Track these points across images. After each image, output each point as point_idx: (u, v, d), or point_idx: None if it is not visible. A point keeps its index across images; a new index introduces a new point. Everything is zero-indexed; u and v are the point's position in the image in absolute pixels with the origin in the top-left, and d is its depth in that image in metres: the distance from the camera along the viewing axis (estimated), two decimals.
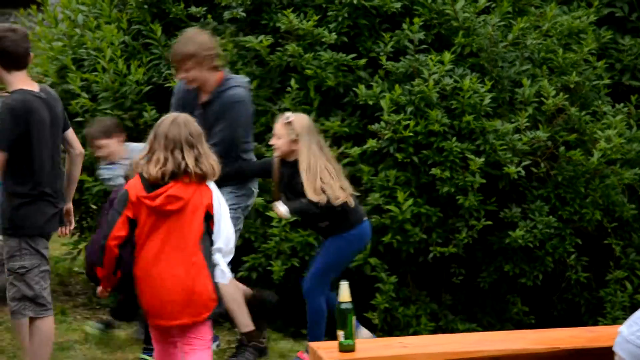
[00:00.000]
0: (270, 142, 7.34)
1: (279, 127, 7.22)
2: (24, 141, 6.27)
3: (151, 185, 5.68)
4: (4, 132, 6.26)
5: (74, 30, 9.42)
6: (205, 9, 8.91)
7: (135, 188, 5.70)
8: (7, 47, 6.31)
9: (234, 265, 8.74)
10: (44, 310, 6.41)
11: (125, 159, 7.52)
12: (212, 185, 5.82)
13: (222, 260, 5.89)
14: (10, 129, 6.24)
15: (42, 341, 6.40)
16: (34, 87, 6.42)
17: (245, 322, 7.48)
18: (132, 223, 5.69)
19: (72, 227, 6.89)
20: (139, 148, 6.74)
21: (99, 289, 6.00)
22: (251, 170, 7.49)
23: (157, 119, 8.60)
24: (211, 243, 5.80)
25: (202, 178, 5.72)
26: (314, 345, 5.83)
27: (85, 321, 8.56)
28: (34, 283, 6.37)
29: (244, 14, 8.83)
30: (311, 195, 7.07)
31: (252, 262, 8.60)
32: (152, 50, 9.00)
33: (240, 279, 8.70)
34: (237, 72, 8.67)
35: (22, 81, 6.37)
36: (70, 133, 6.69)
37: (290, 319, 9.02)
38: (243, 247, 8.70)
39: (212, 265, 5.80)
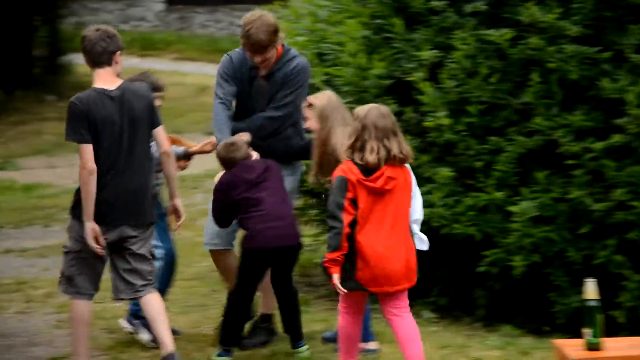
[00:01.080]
0: (305, 126, 7.48)
1: (305, 110, 7.39)
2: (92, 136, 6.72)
3: (367, 169, 6.36)
4: (69, 128, 6.76)
5: (316, 25, 9.59)
6: (446, 2, 8.88)
7: (352, 172, 6.35)
8: (85, 46, 6.84)
9: (476, 260, 8.73)
10: (74, 292, 6.83)
11: None
12: (407, 165, 6.57)
13: (418, 230, 6.71)
14: (73, 124, 6.74)
15: (73, 322, 6.88)
16: (111, 85, 6.81)
17: (267, 303, 7.85)
18: (353, 203, 6.35)
19: (182, 220, 7.24)
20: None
21: (335, 279, 6.45)
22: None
23: (397, 113, 8.78)
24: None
25: (403, 161, 6.46)
26: (559, 342, 5.75)
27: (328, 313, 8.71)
28: (68, 265, 6.86)
29: (485, 7, 8.75)
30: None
31: (492, 257, 8.53)
32: (392, 44, 9.04)
33: (479, 274, 8.68)
34: (477, 65, 8.63)
35: (101, 79, 6.83)
36: (158, 131, 6.96)
37: (530, 316, 8.91)
38: (483, 242, 8.65)
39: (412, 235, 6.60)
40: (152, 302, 6.89)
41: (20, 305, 8.65)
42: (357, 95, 8.89)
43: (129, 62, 25.87)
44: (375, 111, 6.48)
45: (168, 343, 6.80)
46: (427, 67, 8.75)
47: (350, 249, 6.40)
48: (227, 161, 7.37)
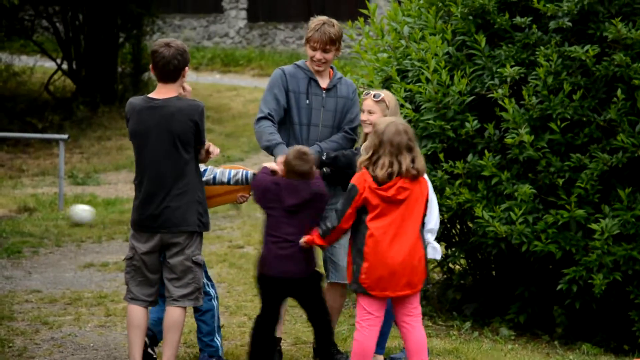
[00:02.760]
0: (363, 118, 7.36)
1: (370, 103, 7.33)
2: None
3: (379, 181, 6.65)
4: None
5: (399, 42, 9.62)
6: (530, 19, 8.86)
7: (365, 181, 6.65)
8: (156, 62, 6.97)
9: (555, 277, 8.68)
10: (129, 297, 7.07)
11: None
12: (426, 176, 6.81)
13: (432, 239, 6.95)
14: (128, 127, 7.08)
15: (128, 327, 7.07)
16: (163, 96, 6.95)
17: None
18: (360, 211, 6.68)
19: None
20: None
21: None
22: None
23: (479, 130, 8.79)
24: (423, 225, 6.80)
25: (416, 176, 6.67)
26: None
27: None
28: (125, 272, 7.13)
29: (569, 24, 8.72)
30: None
31: (572, 274, 8.47)
32: (475, 61, 9.04)
33: (559, 292, 8.62)
34: (561, 83, 8.60)
35: (160, 91, 7.00)
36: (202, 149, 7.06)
37: (611, 334, 8.83)
38: (563, 259, 8.60)
39: (425, 244, 6.78)
40: (170, 314, 7.03)
41: (101, 319, 8.77)
42: (438, 112, 8.90)
43: (211, 79, 26.32)
44: (392, 127, 6.70)
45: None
46: (510, 83, 8.74)
47: (359, 253, 6.68)
48: (289, 166, 7.11)
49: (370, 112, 7.31)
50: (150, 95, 7.04)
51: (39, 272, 10.87)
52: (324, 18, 7.61)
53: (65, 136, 15.76)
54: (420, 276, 6.72)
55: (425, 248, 6.80)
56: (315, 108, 7.53)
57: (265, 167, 7.21)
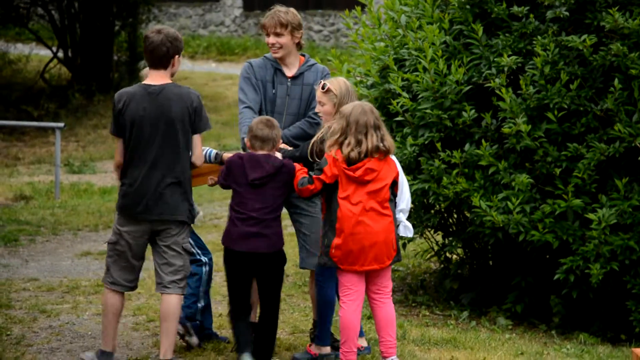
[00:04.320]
0: (316, 110, 7.41)
1: (319, 94, 7.36)
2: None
3: (350, 160, 6.88)
4: (112, 121, 7.12)
5: (396, 31, 9.61)
6: (527, 8, 8.86)
7: (335, 160, 6.87)
8: (146, 47, 7.03)
9: (552, 267, 8.70)
10: (108, 281, 7.10)
11: None
12: (394, 158, 7.03)
13: (404, 218, 7.11)
14: (114, 115, 7.06)
15: (103, 311, 7.13)
16: (157, 82, 6.98)
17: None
18: (332, 187, 6.90)
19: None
20: None
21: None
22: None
23: (476, 119, 8.80)
24: (395, 205, 7.01)
25: (386, 153, 6.91)
26: (638, 351, 5.70)
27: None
28: (107, 256, 7.15)
29: (567, 13, 8.72)
30: None
31: (569, 264, 8.49)
32: (472, 50, 9.04)
33: (556, 282, 8.64)
34: (558, 72, 8.61)
35: (153, 78, 7.03)
36: (195, 139, 7.04)
37: (608, 324, 8.85)
38: (560, 249, 8.62)
39: (396, 223, 7.01)
40: (166, 303, 7.05)
41: (98, 308, 8.74)
42: (436, 102, 8.90)
43: (207, 67, 26.28)
44: (358, 108, 6.94)
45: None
46: (507, 73, 8.74)
47: (331, 228, 6.91)
48: (251, 132, 7.13)
49: (321, 104, 7.33)
50: (146, 82, 7.05)
51: (36, 260, 10.88)
52: (280, 6, 7.71)
53: (61, 124, 15.76)
54: (389, 252, 6.94)
55: (397, 227, 7.03)
56: (280, 97, 7.61)
57: (238, 153, 7.28)
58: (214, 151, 7.51)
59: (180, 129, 6.96)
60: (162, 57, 7.01)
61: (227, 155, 7.43)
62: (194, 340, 7.68)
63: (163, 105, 6.94)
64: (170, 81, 7.04)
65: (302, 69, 7.68)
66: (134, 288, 7.21)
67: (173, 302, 7.03)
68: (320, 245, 7.05)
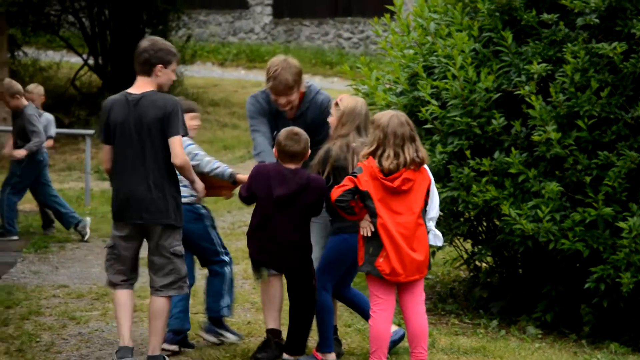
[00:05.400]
0: (328, 119, 7.48)
1: (332, 106, 7.47)
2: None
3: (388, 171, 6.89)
4: (100, 126, 7.27)
5: (425, 38, 9.59)
6: (557, 15, 8.83)
7: (371, 168, 6.86)
8: (134, 53, 7.19)
9: (582, 276, 8.64)
10: (112, 285, 7.27)
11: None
12: (426, 167, 7.03)
13: (433, 227, 7.13)
14: (100, 125, 7.27)
15: (115, 306, 7.28)
16: (139, 91, 7.10)
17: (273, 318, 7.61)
18: (364, 198, 6.86)
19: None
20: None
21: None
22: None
23: (506, 127, 8.76)
24: (425, 213, 7.02)
25: (420, 164, 6.93)
26: None
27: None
28: (106, 260, 7.32)
29: (597, 21, 8.68)
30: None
31: (600, 273, 8.43)
32: (502, 58, 9.01)
33: (587, 290, 8.59)
34: (588, 80, 8.56)
35: (137, 85, 7.16)
36: (171, 141, 7.04)
37: (638, 334, 8.78)
38: (590, 258, 8.56)
39: (427, 231, 7.03)
40: (156, 303, 7.20)
41: None
42: (465, 109, 8.88)
43: (236, 74, 26.33)
44: (395, 120, 6.94)
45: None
46: (537, 80, 8.70)
47: (375, 238, 6.88)
48: (279, 147, 7.14)
49: (331, 114, 7.46)
50: (129, 90, 7.19)
51: (65, 267, 10.93)
52: (279, 59, 7.70)
53: (91, 131, 15.83)
54: (426, 261, 6.97)
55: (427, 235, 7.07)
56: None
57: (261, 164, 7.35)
58: (229, 170, 7.63)
59: (156, 134, 7.06)
60: (143, 64, 7.14)
61: (241, 176, 7.51)
62: (231, 337, 7.92)
63: (140, 113, 7.06)
64: (152, 89, 7.13)
65: (302, 109, 7.72)
66: (134, 280, 7.35)
67: (162, 302, 7.20)
68: (360, 255, 6.98)
